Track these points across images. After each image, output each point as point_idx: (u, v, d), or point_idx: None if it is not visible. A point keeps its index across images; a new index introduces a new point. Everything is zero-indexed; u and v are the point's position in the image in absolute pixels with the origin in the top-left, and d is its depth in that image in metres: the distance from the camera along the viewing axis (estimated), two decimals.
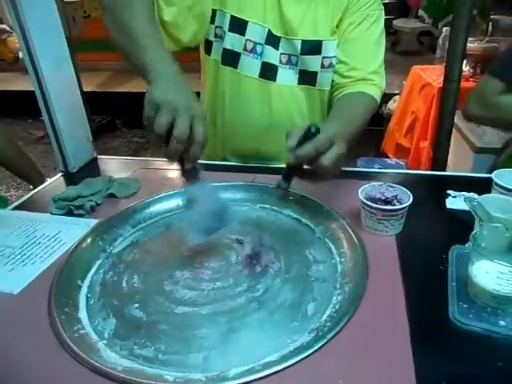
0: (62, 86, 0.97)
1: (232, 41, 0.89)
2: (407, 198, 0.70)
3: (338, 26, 0.89)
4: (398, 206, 0.69)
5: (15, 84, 4.16)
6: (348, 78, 0.90)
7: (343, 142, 0.66)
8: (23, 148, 1.43)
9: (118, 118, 3.98)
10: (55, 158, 1.02)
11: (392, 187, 0.73)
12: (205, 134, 0.58)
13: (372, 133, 3.03)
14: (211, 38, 0.92)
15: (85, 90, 3.73)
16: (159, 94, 0.58)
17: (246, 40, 0.88)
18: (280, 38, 0.89)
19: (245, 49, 0.89)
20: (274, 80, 0.92)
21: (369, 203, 0.70)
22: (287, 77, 0.92)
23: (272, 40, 0.89)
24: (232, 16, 0.87)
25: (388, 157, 2.55)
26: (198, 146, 0.58)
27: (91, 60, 4.46)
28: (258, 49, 0.89)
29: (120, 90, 4.09)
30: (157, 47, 0.66)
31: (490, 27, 3.41)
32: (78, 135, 1.04)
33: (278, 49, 0.90)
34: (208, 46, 0.93)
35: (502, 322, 0.53)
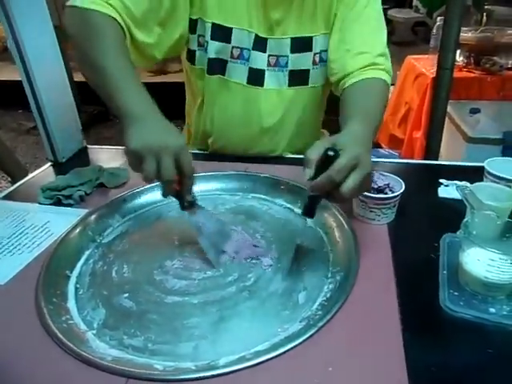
0: (50, 76, 0.95)
1: (217, 49, 0.85)
2: (399, 187, 0.70)
3: (330, 20, 0.85)
4: (389, 195, 0.69)
5: (4, 74, 4.08)
6: (355, 65, 0.81)
7: (368, 154, 0.58)
8: (14, 139, 1.41)
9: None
10: (44, 148, 1.00)
11: (384, 176, 0.73)
12: (191, 166, 0.59)
13: None
14: (194, 47, 0.88)
15: (76, 80, 3.68)
16: (137, 143, 0.57)
17: (233, 47, 0.85)
18: (267, 39, 0.85)
19: (231, 56, 0.86)
20: (262, 85, 0.89)
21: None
22: (276, 80, 0.89)
23: (259, 43, 0.85)
24: (214, 24, 0.82)
25: (382, 147, 2.55)
26: (188, 179, 0.60)
27: None
28: (246, 54, 0.86)
29: None
30: (129, 87, 0.63)
31: (485, 17, 3.40)
32: (67, 125, 1.02)
33: (265, 51, 0.86)
34: (191, 55, 0.90)
35: (492, 309, 0.53)
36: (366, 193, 0.68)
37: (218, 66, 0.88)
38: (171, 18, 0.80)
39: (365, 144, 0.59)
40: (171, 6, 0.78)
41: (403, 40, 4.71)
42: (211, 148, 1.01)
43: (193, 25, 0.85)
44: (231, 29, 0.83)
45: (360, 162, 0.54)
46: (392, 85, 2.85)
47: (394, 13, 4.82)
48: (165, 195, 0.62)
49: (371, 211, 0.70)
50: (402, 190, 0.69)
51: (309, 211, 0.60)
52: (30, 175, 0.96)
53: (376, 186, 0.71)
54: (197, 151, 1.03)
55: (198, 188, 0.84)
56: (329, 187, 0.54)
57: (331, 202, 0.63)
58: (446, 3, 1.29)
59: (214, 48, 0.85)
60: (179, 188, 0.61)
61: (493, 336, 0.50)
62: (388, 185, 0.71)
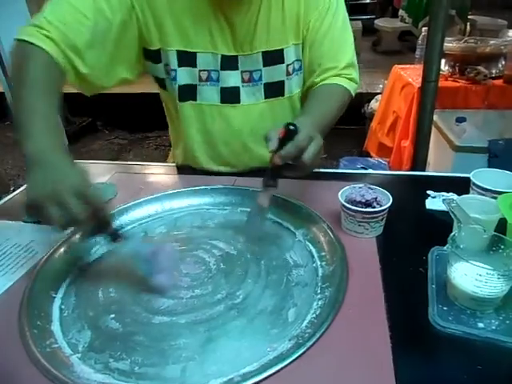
0: None
1: (184, 75, 0.85)
2: (387, 200, 0.70)
3: (299, 30, 0.86)
4: (377, 209, 0.69)
5: None
6: (322, 79, 0.87)
7: (319, 134, 0.67)
8: (1, 151, 1.39)
9: (99, 119, 3.91)
10: None
11: (372, 189, 0.73)
12: (99, 198, 0.57)
13: (355, 132, 3.06)
14: (162, 75, 0.88)
15: (64, 91, 3.66)
16: (32, 193, 0.54)
17: (199, 71, 0.85)
18: (237, 56, 0.85)
19: (200, 79, 0.86)
20: (238, 102, 0.89)
21: (349, 206, 0.70)
22: (252, 95, 0.89)
23: (228, 62, 0.85)
24: (178, 51, 0.83)
25: (371, 156, 2.57)
26: (100, 212, 0.57)
27: None
28: (214, 76, 0.86)
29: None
30: (34, 130, 0.61)
31: (468, 27, 3.48)
32: None
33: (237, 68, 0.86)
34: (161, 82, 0.90)
35: (480, 324, 0.53)
36: (353, 207, 0.69)
37: (188, 92, 0.88)
38: (117, 49, 0.79)
39: (316, 128, 0.70)
40: (117, 39, 0.78)
41: (390, 49, 4.79)
42: (199, 165, 1.00)
43: (155, 55, 0.85)
44: (195, 53, 0.84)
45: (315, 137, 0.65)
46: (379, 93, 2.87)
47: (380, 22, 4.90)
48: (87, 236, 0.60)
49: (359, 225, 0.70)
50: (389, 204, 0.69)
51: (273, 181, 0.68)
52: (15, 192, 0.94)
53: (364, 200, 0.71)
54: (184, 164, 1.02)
55: (187, 202, 0.84)
56: (295, 155, 0.63)
57: (290, 175, 0.68)
58: (429, 16, 1.31)
59: (182, 75, 0.85)
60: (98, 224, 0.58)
61: (481, 352, 0.50)
62: (376, 198, 0.71)
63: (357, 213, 0.69)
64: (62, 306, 0.61)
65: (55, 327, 0.57)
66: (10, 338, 0.54)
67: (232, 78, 0.87)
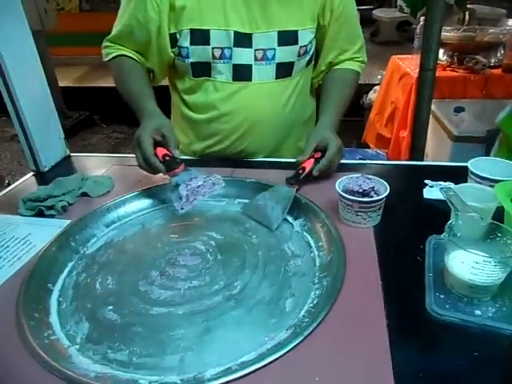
0: (29, 84, 0.93)
1: (198, 53, 0.88)
2: (384, 190, 0.70)
3: (315, 16, 0.90)
4: (374, 198, 0.69)
5: None
6: (337, 60, 0.98)
7: (339, 139, 0.86)
8: None
9: (97, 113, 3.89)
10: (26, 157, 0.98)
11: (369, 179, 0.73)
12: (145, 151, 0.75)
13: (353, 123, 3.04)
14: (176, 60, 0.92)
15: (61, 85, 3.63)
16: (136, 133, 0.78)
17: (213, 48, 0.87)
18: (252, 34, 0.87)
19: (213, 57, 0.88)
20: (250, 80, 0.91)
21: (346, 196, 0.69)
22: (264, 74, 0.91)
23: (242, 40, 0.87)
24: (192, 29, 0.86)
25: (369, 147, 2.56)
26: (169, 144, 0.77)
27: (67, 54, 4.34)
28: (227, 53, 0.88)
29: (98, 84, 3.99)
30: (143, 101, 0.86)
31: (467, 16, 3.45)
32: (49, 133, 1.00)
33: (250, 46, 0.88)
34: (175, 67, 0.95)
35: (477, 312, 0.53)
36: (350, 196, 0.69)
37: (202, 69, 0.90)
38: (158, 44, 0.90)
39: (336, 130, 0.90)
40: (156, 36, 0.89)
41: (388, 39, 4.75)
42: (200, 152, 1.01)
43: (171, 40, 0.89)
44: (208, 30, 0.86)
45: (341, 147, 0.85)
46: (377, 84, 2.86)
47: (378, 13, 4.86)
48: (160, 169, 0.74)
49: (357, 215, 0.70)
50: (386, 193, 0.69)
51: (298, 184, 0.80)
52: (12, 186, 0.94)
53: (361, 190, 0.71)
54: (185, 157, 1.01)
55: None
56: (328, 168, 0.82)
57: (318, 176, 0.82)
58: (427, 6, 1.30)
59: (195, 53, 0.88)
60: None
61: (478, 338, 0.50)
62: (373, 188, 0.71)
63: (354, 202, 0.69)
64: (60, 299, 0.61)
65: (53, 319, 0.57)
66: (8, 330, 0.54)
67: (244, 56, 0.89)
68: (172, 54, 0.91)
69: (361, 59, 1.00)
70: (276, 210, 0.75)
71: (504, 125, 1.15)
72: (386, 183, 0.71)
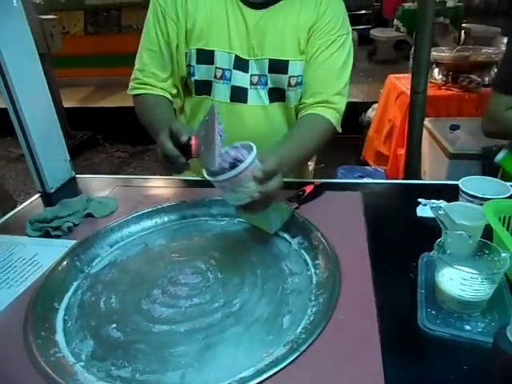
0: (36, 105, 0.97)
1: (202, 72, 0.94)
2: (249, 152, 0.61)
3: (305, 48, 0.92)
4: (241, 167, 0.60)
5: None
6: (310, 100, 0.94)
7: (287, 170, 0.77)
8: (3, 166, 1.42)
9: (100, 133, 3.96)
10: (32, 179, 1.02)
11: (235, 147, 0.65)
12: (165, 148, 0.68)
13: (353, 140, 3.09)
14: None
15: (65, 105, 3.71)
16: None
17: (216, 68, 0.93)
18: (248, 60, 0.93)
19: (215, 76, 0.94)
20: (245, 102, 0.95)
21: (213, 179, 0.62)
22: (258, 97, 0.95)
23: (240, 64, 0.92)
24: (198, 49, 0.91)
25: (368, 165, 2.60)
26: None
27: (71, 76, 4.45)
28: (227, 74, 0.93)
29: (101, 104, 4.08)
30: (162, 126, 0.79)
31: (463, 35, 3.53)
32: (55, 155, 1.04)
33: (247, 71, 0.93)
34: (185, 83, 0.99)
35: (467, 327, 0.55)
36: (218, 178, 0.62)
37: (204, 87, 0.96)
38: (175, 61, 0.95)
39: (285, 162, 0.73)
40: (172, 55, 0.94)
41: (386, 58, 4.85)
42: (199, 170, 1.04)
43: (185, 57, 0.94)
44: (213, 51, 0.92)
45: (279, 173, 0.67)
46: (376, 102, 2.90)
47: (376, 32, 4.98)
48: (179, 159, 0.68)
49: (237, 192, 0.63)
50: (252, 156, 0.60)
51: (295, 200, 0.84)
52: (19, 207, 0.97)
53: (227, 166, 0.63)
54: (186, 178, 1.04)
55: (186, 214, 0.87)
56: (261, 178, 0.64)
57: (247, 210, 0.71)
58: (415, 31, 1.34)
59: (199, 71, 0.94)
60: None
61: (468, 353, 0.52)
62: (235, 158, 0.63)
63: (224, 182, 0.62)
64: (66, 317, 0.64)
65: (59, 337, 0.60)
66: (16, 348, 0.56)
67: (241, 79, 0.94)
68: (185, 73, 0.96)
69: (335, 106, 0.93)
70: (275, 218, 0.78)
71: (506, 164, 1.16)
72: (249, 143, 0.64)
